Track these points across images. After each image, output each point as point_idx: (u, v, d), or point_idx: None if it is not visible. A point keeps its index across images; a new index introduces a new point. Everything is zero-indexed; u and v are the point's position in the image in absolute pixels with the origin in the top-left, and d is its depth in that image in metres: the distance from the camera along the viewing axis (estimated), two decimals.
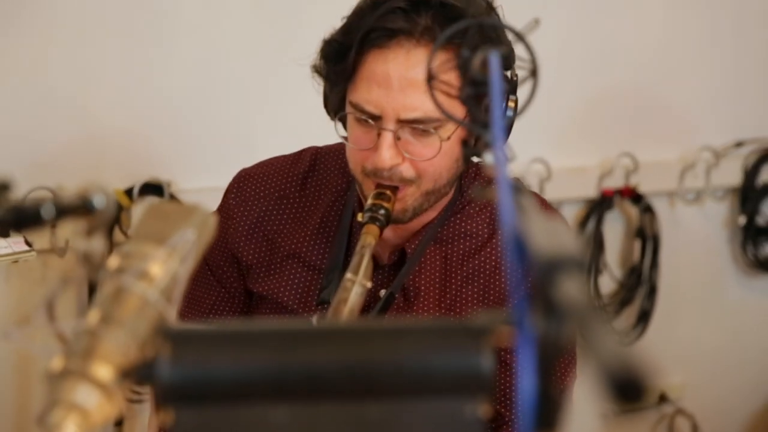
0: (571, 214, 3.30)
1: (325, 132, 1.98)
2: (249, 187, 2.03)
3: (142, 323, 1.08)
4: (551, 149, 3.19)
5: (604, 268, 3.33)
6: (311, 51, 1.88)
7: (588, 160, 3.29)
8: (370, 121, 1.80)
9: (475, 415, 1.02)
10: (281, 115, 2.94)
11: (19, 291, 2.74)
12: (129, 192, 2.78)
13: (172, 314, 1.11)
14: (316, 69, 1.88)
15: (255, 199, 2.02)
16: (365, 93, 1.79)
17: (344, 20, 1.85)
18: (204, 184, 2.81)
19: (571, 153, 3.27)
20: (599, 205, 3.31)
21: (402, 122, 1.78)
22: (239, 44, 2.92)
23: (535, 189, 3.13)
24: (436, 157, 1.80)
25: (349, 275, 1.74)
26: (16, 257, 2.24)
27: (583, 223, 3.30)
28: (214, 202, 2.07)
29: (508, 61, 1.70)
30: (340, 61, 1.82)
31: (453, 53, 1.68)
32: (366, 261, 1.75)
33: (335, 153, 2.04)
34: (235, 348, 1.05)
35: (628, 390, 0.63)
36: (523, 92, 1.30)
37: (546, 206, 2.02)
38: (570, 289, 0.76)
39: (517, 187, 1.05)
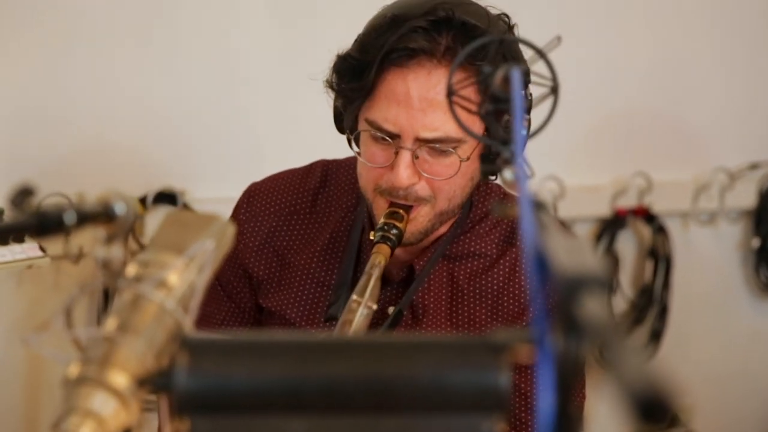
0: (584, 232, 3.30)
1: (337, 144, 1.98)
2: (259, 202, 2.03)
3: (159, 332, 1.08)
4: (565, 167, 3.18)
5: (615, 288, 3.33)
6: (325, 64, 1.88)
7: (601, 179, 3.29)
8: (387, 139, 1.80)
9: None
10: (294, 126, 2.95)
11: (31, 296, 2.74)
12: (143, 200, 2.79)
13: (188, 324, 1.11)
14: (330, 84, 1.88)
15: (265, 215, 2.02)
16: (384, 111, 1.79)
17: (360, 37, 1.84)
18: (217, 194, 2.81)
19: (585, 171, 3.27)
20: (612, 224, 3.30)
21: (420, 141, 1.78)
22: (254, 55, 2.93)
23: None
24: (453, 176, 1.80)
25: (355, 297, 1.74)
26: (30, 262, 2.24)
27: (595, 242, 3.29)
28: (227, 211, 2.07)
29: (524, 79, 1.71)
30: (357, 78, 1.81)
31: (472, 72, 1.69)
32: (373, 282, 1.75)
33: (345, 168, 2.04)
34: (253, 359, 1.04)
35: (653, 410, 0.63)
36: (541, 110, 1.30)
37: (561, 226, 2.01)
38: (593, 308, 0.76)
39: (538, 204, 1.05)
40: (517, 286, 1.92)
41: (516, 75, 1.19)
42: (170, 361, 1.04)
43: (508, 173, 1.21)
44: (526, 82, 1.72)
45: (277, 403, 1.03)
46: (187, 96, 2.88)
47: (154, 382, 1.03)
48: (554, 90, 1.26)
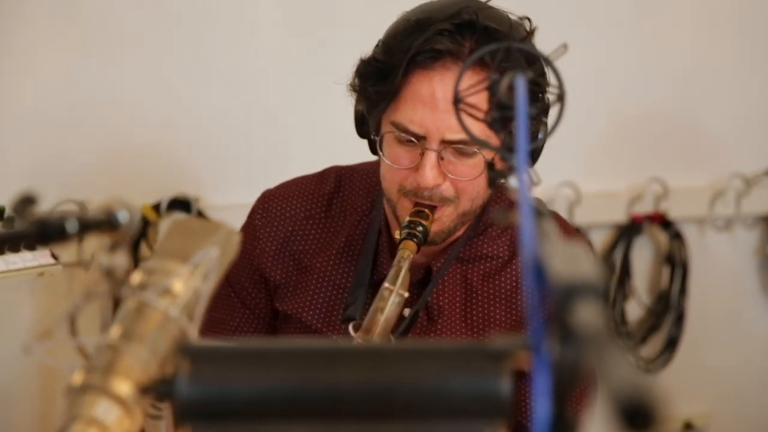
0: (600, 239, 3.29)
1: (354, 151, 1.99)
2: (275, 207, 2.04)
3: (163, 340, 1.08)
4: (581, 173, 3.18)
5: (631, 294, 3.32)
6: (342, 72, 1.89)
7: (617, 185, 3.28)
8: (413, 140, 1.81)
9: None
10: (310, 133, 2.95)
11: (45, 304, 2.75)
12: (156, 207, 2.79)
13: (193, 331, 1.11)
14: (353, 88, 1.89)
15: (281, 220, 2.03)
16: (410, 113, 1.80)
17: (384, 41, 1.86)
18: (232, 201, 2.82)
19: (601, 177, 3.26)
20: (628, 231, 3.30)
21: (445, 143, 1.80)
22: (270, 61, 2.93)
23: (564, 213, 3.13)
24: (478, 177, 1.81)
25: (387, 285, 1.77)
26: (42, 270, 2.25)
27: (611, 249, 3.29)
28: (241, 218, 2.09)
29: (539, 83, 1.72)
30: (382, 81, 1.82)
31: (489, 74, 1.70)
32: (404, 272, 1.78)
33: (359, 174, 2.06)
34: (254, 366, 1.05)
35: (637, 417, 0.63)
36: (551, 115, 1.30)
37: (568, 229, 2.02)
38: (586, 315, 0.76)
39: (539, 211, 1.05)
40: None
41: (521, 83, 1.19)
42: (173, 369, 1.04)
43: (513, 180, 1.21)
44: (544, 84, 1.75)
45: (279, 410, 1.03)
46: (203, 103, 2.88)
47: (157, 390, 1.03)
48: (561, 98, 1.26)
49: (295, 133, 2.96)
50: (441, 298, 1.95)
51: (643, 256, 3.35)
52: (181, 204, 2.82)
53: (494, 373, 1.00)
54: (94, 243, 1.15)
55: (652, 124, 3.31)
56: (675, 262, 3.34)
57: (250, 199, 2.11)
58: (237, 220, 2.10)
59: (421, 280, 1.97)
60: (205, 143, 2.90)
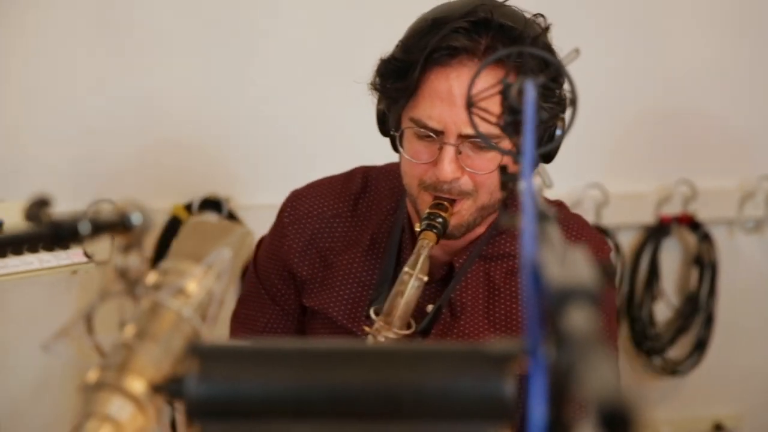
0: (628, 240, 3.29)
1: (382, 151, 2.01)
2: (302, 206, 2.08)
3: (176, 339, 1.10)
4: (608, 175, 3.18)
5: (660, 296, 3.32)
6: (369, 72, 1.92)
7: (645, 187, 3.28)
8: (432, 135, 1.84)
9: None
10: (340, 134, 2.97)
11: (80, 302, 2.78)
12: (188, 207, 2.82)
13: (206, 331, 1.13)
14: (374, 86, 1.92)
15: (308, 218, 2.07)
16: (428, 109, 1.83)
17: (402, 40, 1.89)
18: (262, 201, 2.85)
19: (629, 179, 3.26)
20: (656, 232, 3.29)
21: (463, 137, 1.82)
22: (299, 63, 2.95)
23: (591, 214, 3.13)
24: (495, 170, 1.83)
25: (406, 269, 1.81)
26: (75, 268, 2.28)
27: (639, 250, 3.29)
28: (271, 218, 2.12)
29: (551, 87, 1.74)
30: (401, 79, 1.86)
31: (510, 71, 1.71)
32: (423, 258, 1.81)
33: (385, 174, 2.09)
34: (263, 366, 1.06)
35: (615, 423, 0.64)
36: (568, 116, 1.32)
37: (585, 233, 2.02)
38: (576, 319, 0.77)
39: (544, 214, 1.06)
40: None
41: (530, 89, 1.20)
42: (183, 369, 1.06)
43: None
44: (560, 83, 1.79)
45: (286, 410, 1.05)
46: (233, 105, 2.91)
47: (167, 389, 1.05)
48: (573, 102, 1.27)
49: (325, 135, 2.99)
50: (464, 294, 1.97)
51: (671, 257, 3.35)
52: (212, 204, 2.85)
53: (498, 375, 1.01)
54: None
55: (681, 125, 3.30)
56: (704, 263, 3.34)
57: (281, 199, 2.14)
58: (267, 219, 2.14)
59: (443, 277, 2.00)
60: (236, 144, 2.93)
